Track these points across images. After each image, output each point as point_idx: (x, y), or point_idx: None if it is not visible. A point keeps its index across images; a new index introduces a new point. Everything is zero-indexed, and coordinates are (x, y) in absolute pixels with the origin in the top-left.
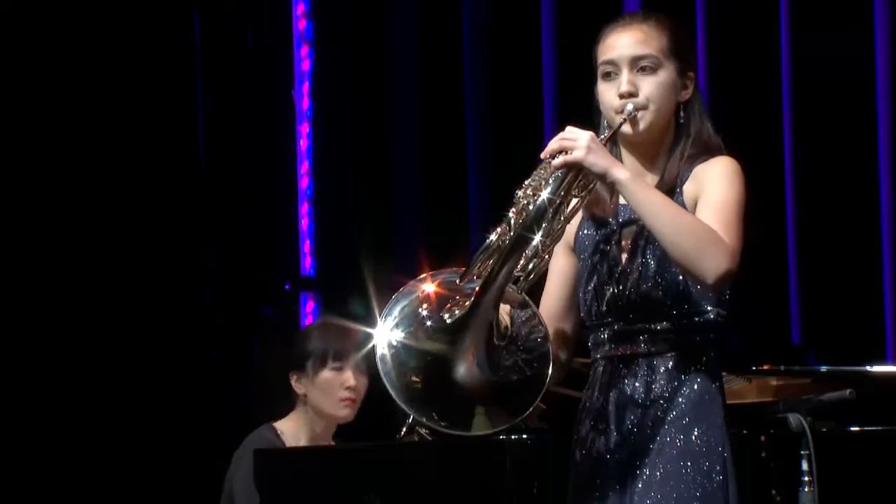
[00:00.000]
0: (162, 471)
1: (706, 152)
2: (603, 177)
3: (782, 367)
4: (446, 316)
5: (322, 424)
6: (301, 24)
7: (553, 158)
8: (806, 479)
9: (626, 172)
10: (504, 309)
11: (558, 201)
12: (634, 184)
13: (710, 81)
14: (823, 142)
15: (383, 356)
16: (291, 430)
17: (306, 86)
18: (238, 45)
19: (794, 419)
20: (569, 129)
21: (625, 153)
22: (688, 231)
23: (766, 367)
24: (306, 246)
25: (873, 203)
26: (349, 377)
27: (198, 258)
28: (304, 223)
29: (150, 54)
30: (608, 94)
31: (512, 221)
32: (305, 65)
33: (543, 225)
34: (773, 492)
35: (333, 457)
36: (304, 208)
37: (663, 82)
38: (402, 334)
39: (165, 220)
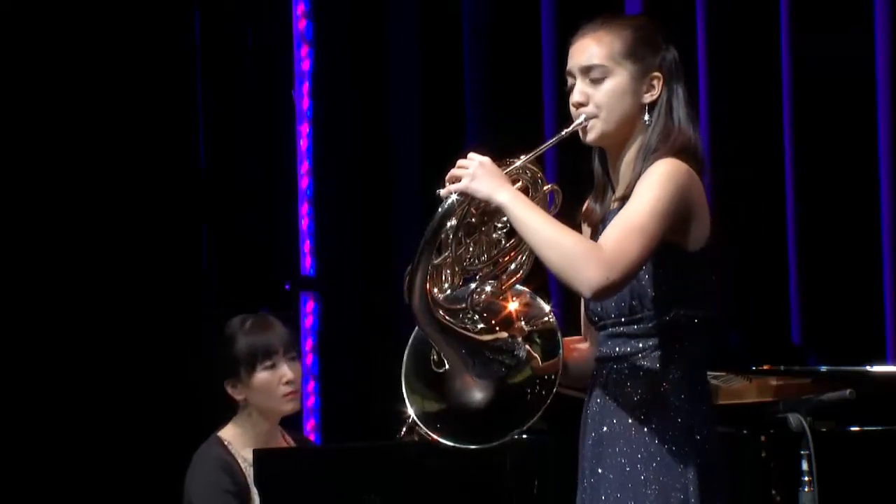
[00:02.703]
0: (161, 471)
1: (669, 152)
2: (487, 202)
3: (782, 367)
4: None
5: (267, 424)
6: (301, 24)
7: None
8: (806, 479)
9: (508, 195)
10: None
11: (452, 218)
12: (514, 205)
13: (710, 81)
14: (823, 142)
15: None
16: (237, 436)
17: (306, 86)
18: (238, 45)
19: (794, 419)
20: (470, 154)
21: (608, 157)
22: (557, 247)
23: (766, 367)
24: (306, 246)
25: (873, 203)
26: (285, 372)
27: (198, 258)
28: (304, 223)
29: (150, 54)
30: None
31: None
32: (305, 65)
33: (445, 231)
34: (773, 492)
35: (333, 457)
36: (304, 208)
37: (613, 90)
38: (420, 405)
39: (166, 219)
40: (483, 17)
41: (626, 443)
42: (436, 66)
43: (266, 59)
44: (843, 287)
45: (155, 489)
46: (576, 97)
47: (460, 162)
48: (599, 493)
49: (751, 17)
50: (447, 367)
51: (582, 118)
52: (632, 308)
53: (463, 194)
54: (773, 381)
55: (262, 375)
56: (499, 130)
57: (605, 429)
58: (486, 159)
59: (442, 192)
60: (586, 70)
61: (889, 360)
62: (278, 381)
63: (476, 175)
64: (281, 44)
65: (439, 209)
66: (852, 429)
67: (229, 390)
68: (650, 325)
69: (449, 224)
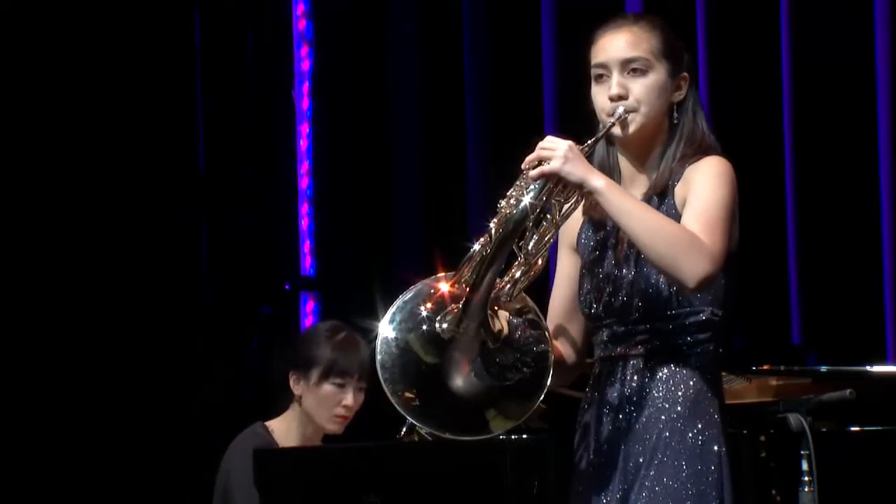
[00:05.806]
0: (160, 469)
1: (699, 152)
2: (580, 186)
3: (782, 367)
4: (438, 326)
5: (312, 428)
6: (301, 24)
7: (532, 168)
8: (806, 479)
9: (603, 181)
10: (502, 314)
11: (539, 207)
12: (611, 191)
13: (710, 80)
14: (824, 142)
15: (382, 362)
16: (283, 430)
17: (306, 86)
18: (238, 45)
19: (794, 419)
20: (548, 138)
21: (620, 154)
22: (663, 236)
23: (766, 367)
24: (306, 246)
25: (873, 203)
26: (349, 397)
27: (198, 258)
28: (304, 223)
29: (150, 54)
30: (600, 96)
31: (492, 231)
32: (305, 65)
33: (525, 230)
34: (773, 492)
35: (333, 457)
36: (304, 208)
37: (654, 84)
38: (400, 339)
39: (165, 219)
40: (483, 16)
41: (671, 436)
42: (436, 66)
43: (266, 59)
44: (843, 287)
45: (148, 487)
46: (615, 90)
47: (543, 144)
48: (634, 488)
49: (751, 15)
50: (448, 334)
51: (621, 110)
52: (668, 305)
53: (551, 176)
54: (773, 381)
55: (327, 388)
56: (499, 130)
57: (642, 423)
58: (572, 143)
59: (533, 172)
60: (627, 63)
61: (889, 360)
62: (337, 402)
63: (568, 158)
64: (281, 44)
65: (515, 211)
66: (852, 429)
67: (291, 381)
68: (686, 321)
69: (527, 222)
